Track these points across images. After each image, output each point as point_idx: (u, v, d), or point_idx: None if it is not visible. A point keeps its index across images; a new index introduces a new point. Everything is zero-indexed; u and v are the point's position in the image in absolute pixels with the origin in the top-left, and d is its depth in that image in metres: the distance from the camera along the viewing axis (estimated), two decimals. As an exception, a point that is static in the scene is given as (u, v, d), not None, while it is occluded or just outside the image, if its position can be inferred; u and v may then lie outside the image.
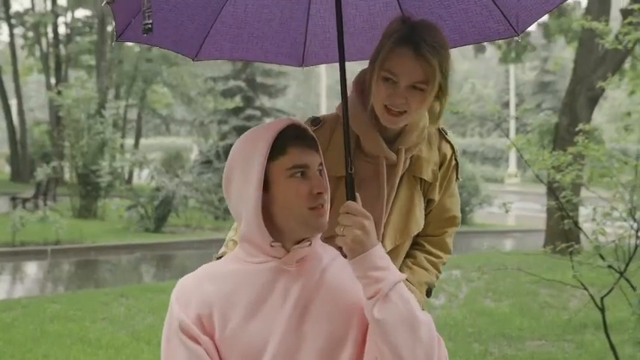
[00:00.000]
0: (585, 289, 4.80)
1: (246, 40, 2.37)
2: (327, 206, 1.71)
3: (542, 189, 11.10)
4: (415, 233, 2.21)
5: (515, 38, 2.21)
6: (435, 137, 2.22)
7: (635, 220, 4.96)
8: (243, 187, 1.68)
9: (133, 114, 31.45)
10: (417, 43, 1.94)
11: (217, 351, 1.63)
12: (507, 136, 6.19)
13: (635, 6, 5.90)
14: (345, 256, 1.67)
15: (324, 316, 1.64)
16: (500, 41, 16.06)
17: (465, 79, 55.34)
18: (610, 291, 4.79)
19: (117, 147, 18.01)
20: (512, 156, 36.01)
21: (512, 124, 30.48)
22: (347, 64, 1.93)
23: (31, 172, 24.09)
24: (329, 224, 1.70)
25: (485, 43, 17.00)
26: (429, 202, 2.24)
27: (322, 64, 2.50)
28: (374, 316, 1.58)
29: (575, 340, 6.37)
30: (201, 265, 1.88)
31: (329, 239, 1.78)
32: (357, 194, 1.72)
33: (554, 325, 6.93)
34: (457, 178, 2.28)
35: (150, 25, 1.67)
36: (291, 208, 1.66)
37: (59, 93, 18.64)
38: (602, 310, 4.82)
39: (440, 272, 2.28)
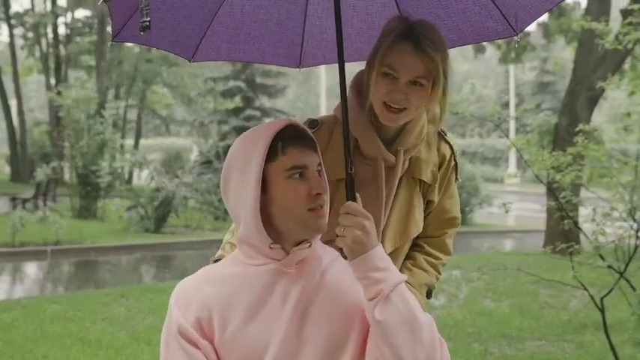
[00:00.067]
0: (585, 289, 4.80)
1: (243, 40, 2.35)
2: (327, 207, 1.70)
3: (542, 189, 11.10)
4: (415, 235, 2.19)
5: (515, 38, 2.20)
6: (434, 138, 2.20)
7: (634, 220, 4.96)
8: (241, 188, 1.66)
9: (132, 114, 31.45)
10: (417, 39, 1.93)
11: (217, 355, 1.62)
12: (507, 136, 6.19)
13: (635, 6, 5.90)
14: (345, 258, 1.66)
15: (324, 318, 1.63)
16: (499, 41, 16.06)
17: (465, 80, 55.32)
18: (610, 291, 4.79)
19: (117, 147, 18.02)
20: (512, 156, 36.04)
21: (511, 125, 30.51)
22: (345, 64, 1.92)
23: (30, 173, 24.11)
24: (329, 227, 1.69)
25: (484, 44, 17.01)
26: (428, 203, 2.22)
27: (319, 65, 2.49)
28: (375, 317, 1.57)
29: (575, 340, 6.37)
30: (201, 266, 1.88)
31: (329, 242, 1.77)
32: (358, 194, 1.71)
33: (554, 326, 6.93)
34: (456, 178, 2.26)
35: (147, 23, 1.66)
36: (289, 210, 1.64)
37: (59, 93, 18.65)
38: (602, 310, 4.81)
39: (440, 273, 2.26)
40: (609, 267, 4.72)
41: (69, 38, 28.90)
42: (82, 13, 30.24)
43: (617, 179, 5.15)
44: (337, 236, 1.64)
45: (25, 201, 17.58)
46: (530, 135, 5.83)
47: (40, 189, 18.33)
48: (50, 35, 28.68)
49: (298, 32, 2.37)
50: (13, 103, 29.44)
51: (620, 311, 6.32)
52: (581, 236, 5.45)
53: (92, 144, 16.94)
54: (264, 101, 23.29)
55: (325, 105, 39.72)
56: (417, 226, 2.18)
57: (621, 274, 4.73)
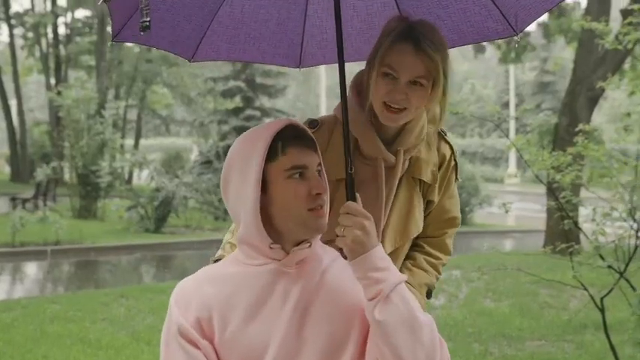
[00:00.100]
0: (585, 289, 4.80)
1: (243, 40, 2.35)
2: (327, 207, 1.69)
3: (542, 189, 11.11)
4: (415, 235, 2.19)
5: (515, 38, 2.20)
6: (434, 138, 2.20)
7: (634, 220, 4.96)
8: (241, 188, 1.66)
9: (132, 114, 31.46)
10: (418, 39, 1.93)
11: (217, 355, 1.62)
12: (507, 136, 6.19)
13: (635, 6, 5.90)
14: (345, 258, 1.66)
15: (324, 318, 1.63)
16: (499, 41, 16.06)
17: (465, 80, 55.32)
18: (610, 291, 4.79)
19: (117, 147, 18.02)
20: (512, 156, 36.04)
21: (511, 125, 30.51)
22: (345, 65, 1.92)
23: (30, 173, 24.11)
24: (328, 227, 1.68)
25: (484, 44, 17.01)
26: (428, 203, 2.21)
27: (319, 65, 2.49)
28: (375, 317, 1.57)
29: (575, 340, 6.37)
30: (201, 266, 1.87)
31: (329, 243, 1.76)
32: (358, 195, 1.70)
33: (554, 326, 6.93)
34: (456, 178, 2.26)
35: (147, 23, 1.66)
36: (289, 210, 1.64)
37: (59, 93, 18.65)
38: (602, 310, 4.81)
39: (440, 274, 2.25)
40: (609, 267, 4.72)
41: (69, 38, 28.90)
42: (82, 13, 30.29)
43: (617, 179, 5.15)
44: (337, 236, 1.63)
45: (25, 201, 17.59)
46: (530, 135, 5.83)
47: (40, 189, 18.33)
48: (50, 35, 28.68)
49: (298, 32, 2.36)
50: (13, 103, 29.44)
51: (620, 311, 6.32)
52: (581, 236, 5.45)
53: (92, 144, 16.94)
54: (264, 101, 23.29)
55: (325, 105, 39.72)
56: (417, 226, 2.18)
57: (621, 274, 4.73)
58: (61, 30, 29.32)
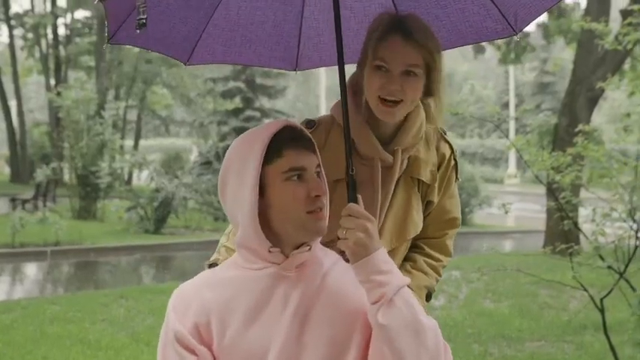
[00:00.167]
0: (585, 290, 4.80)
1: (239, 43, 2.33)
2: (326, 210, 1.67)
3: (542, 190, 11.12)
4: (412, 236, 2.15)
5: (515, 38, 2.19)
6: (433, 137, 2.16)
7: (634, 220, 4.96)
8: (238, 190, 1.63)
9: (132, 115, 31.48)
10: (406, 29, 1.93)
11: None
12: (507, 136, 6.19)
13: (635, 7, 5.91)
14: (347, 261, 1.63)
15: (325, 322, 1.60)
16: (499, 42, 16.08)
17: (465, 80, 55.33)
18: (610, 292, 4.79)
19: (116, 148, 18.02)
20: (512, 157, 36.05)
21: (511, 125, 30.53)
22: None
23: (30, 174, 24.13)
24: (327, 228, 1.66)
25: (484, 44, 17.02)
26: (428, 203, 2.18)
27: (316, 67, 2.46)
28: (378, 321, 1.54)
29: (575, 341, 6.37)
30: (200, 267, 1.86)
31: (328, 244, 1.74)
32: (359, 196, 1.68)
33: (554, 326, 6.93)
34: (457, 178, 2.22)
35: (144, 20, 1.64)
36: (288, 212, 1.61)
37: (59, 94, 18.66)
38: (601, 311, 4.81)
39: (440, 276, 2.21)
40: (609, 267, 4.72)
41: (69, 39, 28.91)
42: (81, 14, 30.28)
43: (616, 180, 5.16)
44: (339, 239, 1.61)
45: (24, 202, 17.59)
46: (530, 135, 5.83)
47: (40, 190, 18.33)
48: (50, 36, 28.68)
49: (294, 34, 2.35)
50: (12, 103, 29.44)
51: (619, 312, 6.32)
52: (581, 237, 5.45)
53: (92, 145, 16.95)
54: (263, 102, 23.32)
55: (325, 106, 39.68)
56: (415, 227, 2.14)
57: (621, 274, 4.73)
58: (61, 31, 29.36)
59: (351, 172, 1.71)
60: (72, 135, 17.03)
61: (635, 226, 4.94)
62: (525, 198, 23.60)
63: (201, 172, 19.39)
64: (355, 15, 2.26)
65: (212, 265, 1.95)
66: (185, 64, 2.34)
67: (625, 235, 4.98)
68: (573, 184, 5.19)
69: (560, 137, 12.00)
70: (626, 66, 12.69)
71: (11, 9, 29.02)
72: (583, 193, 6.63)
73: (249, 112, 22.14)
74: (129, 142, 29.18)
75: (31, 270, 11.84)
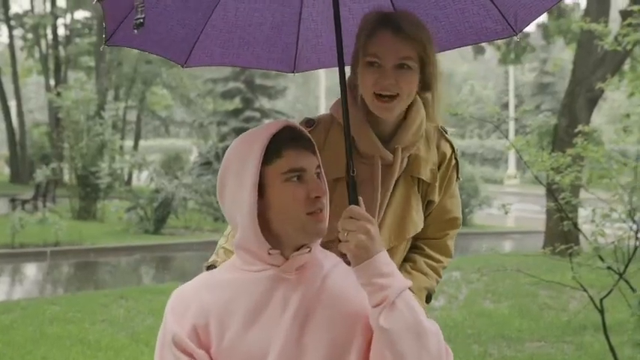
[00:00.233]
0: (585, 290, 4.80)
1: (237, 45, 2.31)
2: (326, 211, 1.65)
3: (542, 190, 11.10)
4: (412, 235, 2.12)
5: (515, 38, 2.18)
6: (434, 136, 2.14)
7: (634, 221, 4.96)
8: (237, 191, 1.62)
9: (132, 115, 31.49)
10: (396, 23, 1.92)
11: None
12: (507, 137, 6.18)
13: (635, 7, 5.91)
14: (348, 263, 1.61)
15: (325, 325, 1.58)
16: (499, 42, 16.08)
17: (464, 81, 55.34)
18: (609, 292, 4.79)
19: (116, 148, 18.04)
20: (512, 157, 36.04)
21: (511, 126, 30.52)
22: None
23: (30, 174, 24.12)
24: (327, 229, 1.65)
25: (484, 44, 17.01)
26: (428, 203, 2.15)
27: (314, 69, 2.45)
28: (380, 324, 1.52)
29: (575, 341, 6.37)
30: (200, 267, 1.86)
31: (327, 244, 1.73)
32: (360, 198, 1.66)
33: (554, 327, 6.93)
34: (457, 177, 2.20)
35: (142, 20, 1.63)
36: (287, 214, 1.60)
37: (58, 94, 18.66)
38: (601, 311, 4.81)
39: (440, 277, 2.18)
40: (609, 268, 4.72)
41: (68, 39, 28.91)
42: (81, 15, 30.27)
43: (616, 180, 5.16)
44: (340, 241, 1.59)
45: (24, 202, 17.58)
46: (530, 136, 5.83)
47: (40, 190, 18.32)
48: (50, 36, 28.69)
49: (293, 36, 2.33)
50: (12, 104, 29.43)
51: (619, 312, 6.32)
52: (581, 237, 5.45)
53: (92, 145, 16.95)
54: (263, 102, 23.34)
55: (324, 106, 39.66)
56: (415, 226, 2.11)
57: (621, 275, 4.74)
58: (61, 31, 29.36)
59: (352, 174, 1.69)
60: (72, 135, 17.04)
61: (634, 226, 4.94)
62: (525, 198, 23.58)
63: (201, 172, 19.40)
64: (354, 16, 2.24)
65: (210, 267, 1.94)
66: (182, 66, 2.32)
67: (625, 236, 4.98)
68: (573, 185, 5.19)
69: (560, 138, 12.00)
70: (626, 67, 12.70)
71: (11, 9, 29.02)
72: (583, 194, 6.62)
73: (248, 113, 22.15)
74: (129, 143, 29.19)
75: (31, 270, 11.84)
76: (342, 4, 1.93)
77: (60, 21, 28.85)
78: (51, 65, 28.45)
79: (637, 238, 4.88)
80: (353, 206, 1.63)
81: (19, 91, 28.85)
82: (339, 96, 1.88)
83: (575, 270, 4.75)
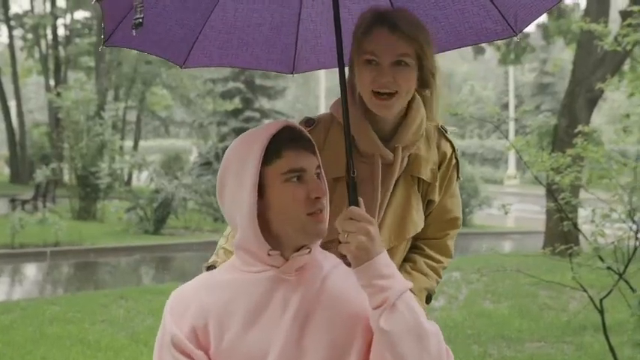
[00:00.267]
0: (584, 290, 4.80)
1: (235, 45, 2.30)
2: (326, 212, 1.65)
3: (542, 190, 11.10)
4: (412, 235, 2.11)
5: (514, 39, 2.17)
6: (434, 135, 2.13)
7: (634, 221, 4.96)
8: (237, 192, 1.61)
9: (132, 116, 31.48)
10: (392, 20, 1.91)
11: None
12: (506, 137, 6.19)
13: (635, 7, 5.91)
14: (348, 264, 1.61)
15: (325, 326, 1.58)
16: (499, 42, 16.06)
17: (464, 81, 55.36)
18: (609, 293, 4.79)
19: (116, 149, 18.03)
20: (512, 157, 36.05)
21: (511, 126, 30.55)
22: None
23: (30, 174, 24.12)
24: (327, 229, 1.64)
25: (484, 45, 17.01)
26: (429, 203, 2.14)
27: (313, 70, 2.44)
28: (380, 326, 1.52)
29: (575, 341, 6.37)
30: (199, 267, 1.85)
31: (327, 244, 1.72)
32: (361, 199, 1.65)
33: (554, 327, 6.93)
34: (458, 177, 2.19)
35: (141, 20, 1.62)
36: (287, 215, 1.59)
37: (58, 95, 18.67)
38: (601, 311, 4.81)
39: (440, 277, 2.17)
40: (608, 268, 4.72)
41: (68, 39, 28.92)
42: (81, 15, 30.29)
43: (616, 180, 5.16)
44: (340, 242, 1.59)
45: (24, 202, 17.58)
46: (530, 136, 5.84)
47: (40, 190, 18.32)
48: (49, 36, 28.69)
49: (292, 37, 2.32)
50: (12, 104, 29.43)
51: (619, 312, 6.32)
52: (581, 237, 5.45)
53: (91, 145, 16.95)
54: (263, 103, 23.35)
55: (324, 106, 39.63)
56: (415, 226, 2.10)
57: (620, 275, 4.74)
58: (61, 31, 29.38)
59: (352, 175, 1.68)
60: (71, 136, 17.04)
61: (634, 227, 4.94)
62: (525, 199, 23.58)
63: (200, 172, 19.41)
64: (353, 17, 2.22)
65: (210, 268, 1.93)
66: (181, 67, 2.31)
67: (624, 236, 4.98)
68: (573, 185, 5.19)
69: (560, 138, 12.00)
70: (626, 67, 12.69)
71: (11, 9, 29.02)
72: (582, 194, 6.62)
73: (248, 113, 22.16)
74: (128, 143, 29.19)
75: (31, 270, 11.84)
76: (341, 5, 1.93)
77: (60, 21, 28.88)
78: (51, 65, 28.46)
79: (637, 239, 4.88)
80: (353, 207, 1.62)
81: (19, 92, 28.86)
82: (339, 96, 1.87)
83: (575, 270, 4.75)
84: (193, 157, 26.25)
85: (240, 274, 1.64)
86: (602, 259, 4.73)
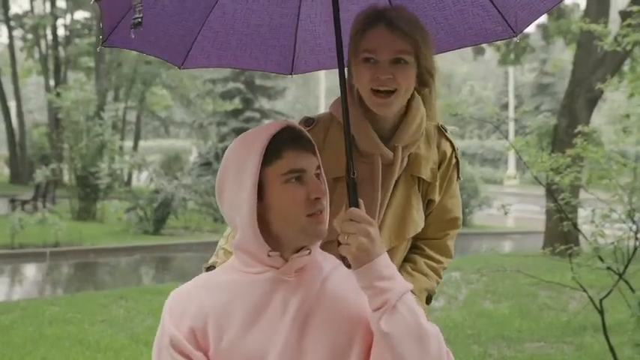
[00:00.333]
0: (584, 290, 4.80)
1: (234, 46, 2.29)
2: (326, 213, 1.64)
3: (542, 191, 11.10)
4: (412, 235, 2.11)
5: (514, 39, 2.16)
6: (434, 135, 2.12)
7: (633, 221, 4.96)
8: (236, 192, 1.60)
9: (132, 116, 31.48)
10: (389, 18, 1.91)
11: None
12: (506, 138, 6.19)
13: (634, 8, 5.91)
14: (348, 266, 1.60)
15: (325, 328, 1.57)
16: (499, 43, 16.07)
17: (464, 82, 55.35)
18: (609, 293, 4.79)
19: (116, 149, 18.03)
20: (512, 158, 36.05)
21: (511, 126, 30.56)
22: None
23: (30, 174, 24.11)
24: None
25: (484, 45, 17.00)
26: (429, 202, 2.13)
27: (312, 71, 2.43)
28: (381, 328, 1.51)
29: (575, 342, 6.37)
30: (199, 267, 1.85)
31: (326, 245, 1.71)
32: (361, 200, 1.64)
33: (554, 327, 6.93)
34: (458, 177, 2.18)
35: (140, 20, 1.62)
36: (287, 215, 1.58)
37: (58, 95, 18.65)
38: (601, 312, 4.82)
39: (440, 278, 2.16)
40: (608, 268, 4.72)
41: (68, 40, 28.92)
42: (81, 15, 30.29)
43: (616, 181, 5.16)
44: (340, 244, 1.58)
45: (24, 202, 17.56)
46: (530, 136, 5.83)
47: (40, 190, 18.31)
48: (49, 37, 28.69)
49: (290, 38, 2.31)
50: (12, 104, 29.43)
51: (619, 313, 6.32)
52: (581, 238, 5.45)
53: (91, 145, 16.95)
54: (263, 103, 23.36)
55: (324, 106, 39.59)
56: (415, 226, 2.10)
57: (620, 275, 4.74)
58: (61, 32, 29.39)
59: (352, 176, 1.67)
60: (71, 136, 17.03)
61: (634, 227, 4.94)
62: (525, 199, 23.57)
63: (200, 173, 19.41)
64: (352, 18, 2.24)
65: (210, 268, 1.93)
66: (180, 68, 2.30)
67: (624, 236, 4.98)
68: (572, 186, 5.19)
69: (560, 138, 12.00)
70: (626, 67, 12.68)
71: (11, 10, 29.02)
72: (582, 195, 6.62)
73: (248, 113, 22.18)
74: (128, 143, 29.19)
75: (31, 271, 11.83)
76: (341, 5, 1.93)
77: (60, 21, 28.89)
78: (51, 66, 28.46)
79: (637, 239, 4.88)
80: (353, 208, 1.61)
81: (19, 92, 28.85)
82: (339, 95, 1.87)
83: (574, 270, 4.75)
84: (193, 157, 26.25)
85: (240, 275, 1.63)
86: (602, 260, 4.73)
